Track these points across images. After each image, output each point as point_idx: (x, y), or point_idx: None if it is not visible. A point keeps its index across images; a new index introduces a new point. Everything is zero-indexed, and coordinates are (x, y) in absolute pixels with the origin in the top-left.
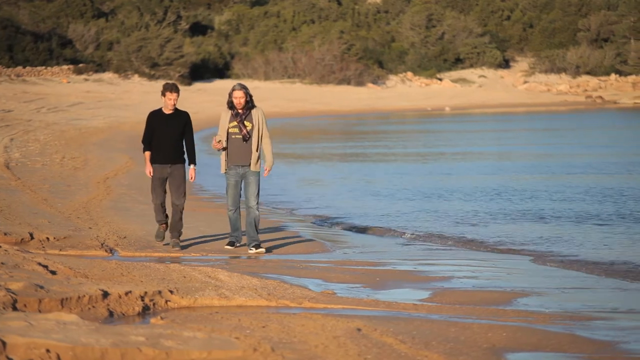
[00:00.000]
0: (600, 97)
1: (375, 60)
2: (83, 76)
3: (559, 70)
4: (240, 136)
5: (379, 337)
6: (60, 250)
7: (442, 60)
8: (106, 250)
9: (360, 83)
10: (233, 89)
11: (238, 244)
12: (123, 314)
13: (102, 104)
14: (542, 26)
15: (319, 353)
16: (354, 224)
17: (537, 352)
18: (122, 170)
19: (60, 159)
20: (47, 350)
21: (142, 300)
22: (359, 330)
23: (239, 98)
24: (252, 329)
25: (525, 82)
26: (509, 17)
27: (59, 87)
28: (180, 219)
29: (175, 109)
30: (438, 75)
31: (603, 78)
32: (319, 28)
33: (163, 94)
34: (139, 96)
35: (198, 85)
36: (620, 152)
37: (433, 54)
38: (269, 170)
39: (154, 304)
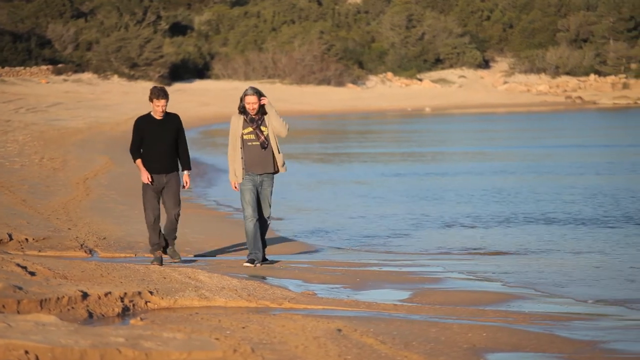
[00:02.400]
0: (580, 97)
1: (356, 61)
2: (62, 76)
3: (538, 71)
4: (258, 143)
5: (359, 338)
6: (39, 251)
7: (422, 60)
8: (85, 251)
9: (340, 83)
10: (245, 94)
11: (259, 263)
12: (102, 315)
13: (82, 105)
14: (521, 26)
15: (299, 354)
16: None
17: (517, 352)
18: (101, 171)
19: (39, 159)
20: (26, 352)
21: (122, 301)
22: (339, 330)
23: (252, 104)
24: (232, 330)
25: (505, 82)
26: (488, 18)
27: (37, 87)
28: (175, 228)
29: (165, 113)
30: (418, 76)
31: (582, 78)
32: (299, 28)
33: (150, 100)
34: (119, 96)
35: (178, 86)
36: (610, 152)
37: (413, 55)
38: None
39: (133, 305)
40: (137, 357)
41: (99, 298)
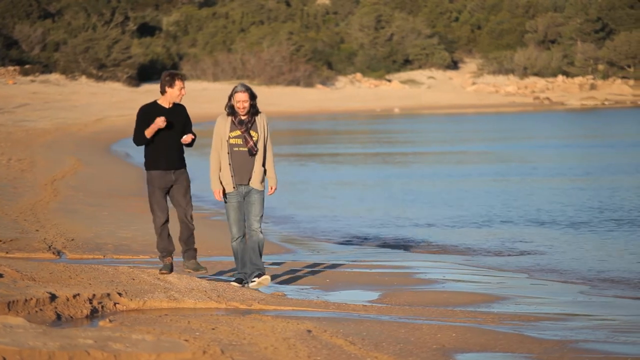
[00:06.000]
0: (548, 98)
1: (325, 62)
2: (29, 77)
3: (506, 72)
4: (246, 149)
5: (329, 339)
6: (7, 252)
7: (391, 61)
8: (54, 253)
9: (309, 84)
10: (235, 91)
11: (246, 282)
12: (71, 317)
13: (49, 106)
14: (490, 27)
15: (269, 355)
16: (309, 226)
17: (486, 352)
18: (69, 172)
19: (6, 160)
20: None
21: (91, 302)
22: (309, 331)
23: (242, 102)
24: (201, 331)
25: (474, 83)
26: (457, 19)
27: (4, 88)
28: (192, 234)
29: (174, 103)
30: (387, 77)
31: (550, 79)
32: (267, 29)
33: (170, 85)
34: (86, 97)
35: (146, 87)
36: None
37: (382, 55)
38: (275, 189)
39: (102, 307)
40: (106, 359)
41: (68, 300)
